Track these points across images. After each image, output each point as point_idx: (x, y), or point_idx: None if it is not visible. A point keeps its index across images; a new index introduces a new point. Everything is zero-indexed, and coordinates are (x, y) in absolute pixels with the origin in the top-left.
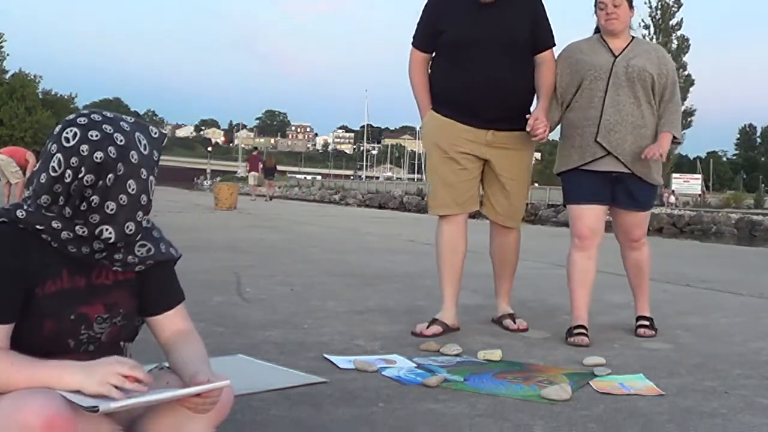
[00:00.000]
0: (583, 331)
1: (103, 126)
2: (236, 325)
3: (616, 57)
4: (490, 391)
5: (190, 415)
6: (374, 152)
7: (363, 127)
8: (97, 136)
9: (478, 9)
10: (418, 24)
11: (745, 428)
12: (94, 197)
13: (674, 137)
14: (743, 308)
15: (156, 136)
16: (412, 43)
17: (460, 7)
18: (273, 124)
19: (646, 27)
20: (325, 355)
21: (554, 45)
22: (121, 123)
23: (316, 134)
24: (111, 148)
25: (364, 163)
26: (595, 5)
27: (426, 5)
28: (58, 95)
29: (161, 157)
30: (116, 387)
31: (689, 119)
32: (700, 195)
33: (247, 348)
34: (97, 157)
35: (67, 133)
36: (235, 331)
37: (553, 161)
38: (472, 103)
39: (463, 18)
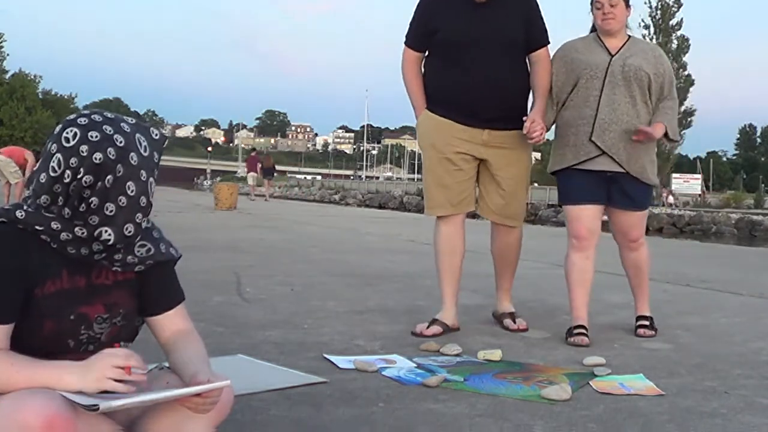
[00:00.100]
0: (583, 331)
1: (104, 127)
2: (236, 325)
3: (612, 56)
4: (490, 391)
5: (190, 415)
6: (374, 152)
7: (363, 127)
8: (96, 137)
9: (472, 8)
10: (411, 23)
11: (745, 428)
12: (93, 199)
13: (670, 134)
14: (743, 308)
15: (157, 137)
16: (405, 42)
17: (454, 6)
18: (273, 124)
19: (646, 27)
20: (325, 355)
21: (548, 43)
22: (122, 124)
23: (316, 134)
24: (110, 150)
25: (364, 163)
26: (592, 4)
27: (419, 4)
28: (58, 95)
29: (161, 158)
30: (118, 380)
31: (689, 119)
32: (700, 195)
33: (247, 348)
34: (96, 158)
35: (67, 133)
36: (235, 331)
37: None
38: (471, 103)
39: (458, 17)
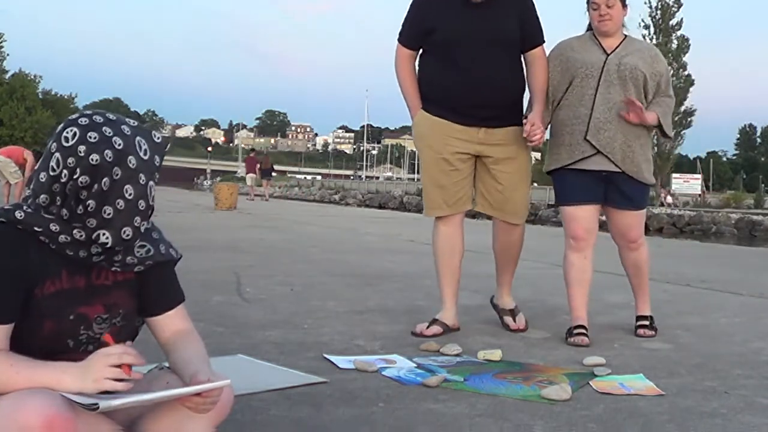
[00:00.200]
0: (583, 331)
1: (103, 128)
2: (236, 325)
3: (608, 55)
4: (490, 391)
5: (190, 414)
6: (374, 152)
7: (363, 127)
8: (95, 138)
9: (469, 8)
10: (405, 20)
11: (745, 428)
12: (90, 201)
13: (663, 127)
14: (743, 308)
15: (159, 141)
16: (399, 40)
17: (451, 5)
18: (273, 124)
19: (646, 27)
20: (325, 355)
21: (544, 42)
22: (123, 127)
23: (316, 134)
24: (108, 152)
25: (364, 163)
26: (588, 4)
27: (413, 2)
28: (58, 95)
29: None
30: (116, 380)
31: (689, 119)
32: (700, 195)
33: (247, 348)
34: (92, 160)
35: (67, 132)
36: (235, 331)
37: None
38: (468, 102)
39: (455, 17)
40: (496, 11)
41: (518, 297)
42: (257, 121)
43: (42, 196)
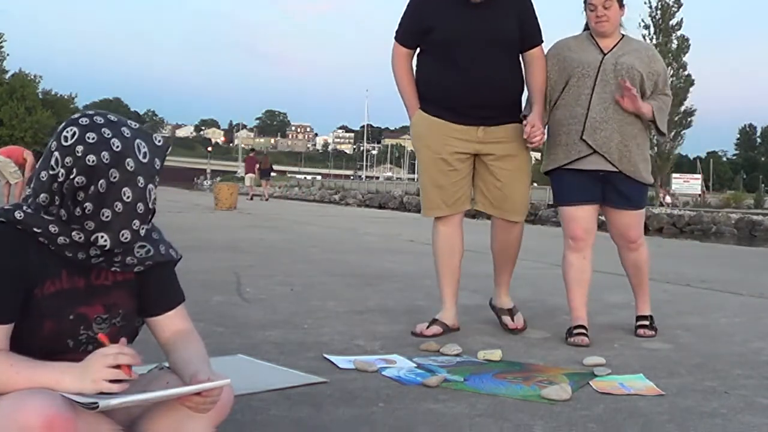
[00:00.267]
0: (583, 331)
1: (102, 130)
2: (236, 325)
3: (604, 54)
4: (490, 391)
5: (190, 414)
6: (374, 152)
7: (363, 127)
8: (93, 139)
9: (468, 8)
10: (402, 19)
11: (745, 428)
12: (87, 203)
13: (657, 122)
14: (743, 308)
15: (160, 144)
16: (396, 39)
17: (449, 5)
18: (273, 124)
19: (646, 27)
20: (325, 355)
21: (542, 41)
22: (123, 128)
23: (316, 134)
24: (105, 154)
25: (364, 163)
26: (585, 5)
27: (411, 0)
28: (58, 95)
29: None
30: (114, 380)
31: (689, 119)
32: (700, 195)
33: (247, 348)
34: (89, 161)
35: (66, 132)
36: (235, 331)
37: None
38: (466, 102)
39: (455, 17)
40: (496, 11)
41: (518, 297)
42: (257, 121)
43: (42, 195)
